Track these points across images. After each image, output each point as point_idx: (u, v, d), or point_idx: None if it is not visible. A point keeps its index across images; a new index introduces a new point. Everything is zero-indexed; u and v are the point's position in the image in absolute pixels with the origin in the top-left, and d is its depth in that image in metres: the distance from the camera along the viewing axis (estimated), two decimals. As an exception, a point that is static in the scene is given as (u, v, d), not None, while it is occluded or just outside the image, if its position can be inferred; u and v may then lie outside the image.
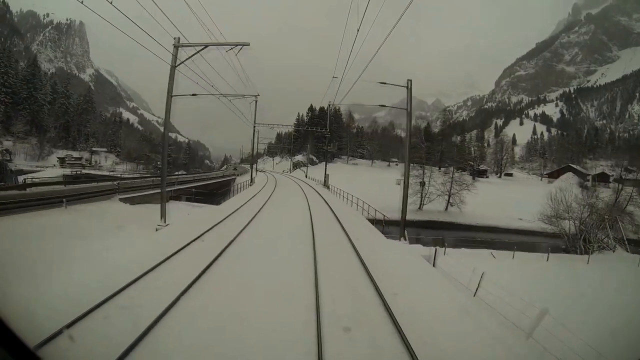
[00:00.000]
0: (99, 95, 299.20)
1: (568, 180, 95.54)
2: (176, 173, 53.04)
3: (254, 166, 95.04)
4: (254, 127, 35.06)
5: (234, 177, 43.92)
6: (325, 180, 38.75)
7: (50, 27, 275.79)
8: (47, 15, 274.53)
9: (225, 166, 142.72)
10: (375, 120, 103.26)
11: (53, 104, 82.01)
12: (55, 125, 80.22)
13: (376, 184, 54.70)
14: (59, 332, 4.07)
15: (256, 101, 35.76)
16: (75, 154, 69.80)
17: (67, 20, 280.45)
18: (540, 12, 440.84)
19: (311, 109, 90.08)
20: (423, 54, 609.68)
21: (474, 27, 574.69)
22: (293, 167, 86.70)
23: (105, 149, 74.77)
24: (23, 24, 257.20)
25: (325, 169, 39.15)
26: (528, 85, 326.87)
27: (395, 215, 35.87)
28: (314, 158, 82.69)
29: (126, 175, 46.13)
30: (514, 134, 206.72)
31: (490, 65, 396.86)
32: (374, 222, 19.57)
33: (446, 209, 44.14)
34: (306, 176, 62.98)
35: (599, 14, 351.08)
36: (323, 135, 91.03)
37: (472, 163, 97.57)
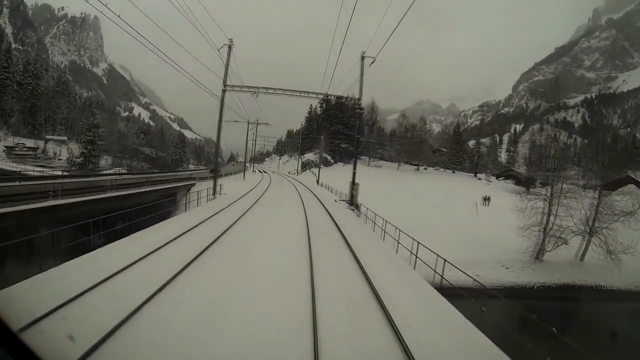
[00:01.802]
0: (111, 90, 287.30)
1: (631, 193, 76.13)
2: (104, 171, 36.08)
3: (253, 165, 77.89)
4: (223, 90, 17.84)
5: (190, 183, 25.81)
6: (351, 195, 21.13)
7: (64, 20, 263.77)
8: (62, 8, 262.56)
9: (232, 163, 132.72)
10: (405, 114, 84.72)
11: (22, 85, 66.46)
12: (21, 108, 64.45)
13: (429, 198, 36.96)
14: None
15: (230, 47, 18.64)
16: (30, 143, 53.57)
17: (81, 14, 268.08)
18: (560, 16, 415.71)
19: (325, 99, 72.52)
20: (437, 57, 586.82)
21: (490, 32, 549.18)
22: (301, 168, 69.01)
23: (65, 138, 58.37)
24: (37, 17, 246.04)
25: (354, 176, 21.33)
26: (547, 90, 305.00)
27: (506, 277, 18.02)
28: (329, 157, 65.02)
29: (36, 173, 29.17)
30: (534, 140, 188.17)
31: (506, 70, 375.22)
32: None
33: (582, 257, 23.34)
34: (318, 182, 44.97)
35: (621, 19, 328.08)
36: (339, 131, 73.43)
37: (516, 170, 78.55)
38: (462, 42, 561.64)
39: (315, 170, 56.47)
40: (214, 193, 17.87)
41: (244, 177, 41.15)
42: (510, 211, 31.19)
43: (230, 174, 48.52)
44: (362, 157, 74.72)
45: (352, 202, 20.49)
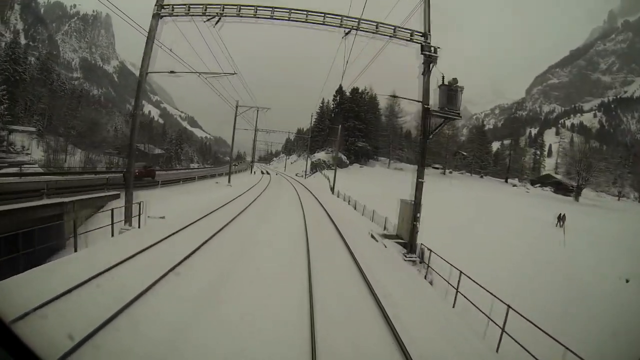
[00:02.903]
0: (122, 87, 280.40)
1: (690, 205, 64.64)
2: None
3: (252, 165, 67.41)
4: (157, 14, 7.45)
5: (105, 195, 14.69)
6: (412, 229, 10.82)
7: (76, 17, 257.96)
8: (74, 6, 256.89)
9: (237, 162, 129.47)
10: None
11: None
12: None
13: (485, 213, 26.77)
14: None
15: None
16: (-3, 135, 44.69)
17: (93, 11, 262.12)
18: (574, 19, 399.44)
19: (340, 91, 62.45)
20: (442, 57, 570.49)
21: (502, 34, 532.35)
22: (311, 169, 58.69)
23: (34, 129, 49.33)
24: (49, 14, 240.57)
25: (419, 189, 10.77)
26: (561, 94, 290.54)
27: None
28: (343, 157, 54.82)
29: None
30: (550, 145, 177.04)
31: (519, 74, 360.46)
32: None
33: None
34: (332, 189, 34.54)
35: (637, 21, 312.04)
36: (356, 127, 62.58)
37: (559, 176, 67.07)
38: (467, 42, 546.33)
39: (328, 172, 46.33)
40: (125, 220, 8.21)
41: (229, 181, 30.81)
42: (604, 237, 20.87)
43: (215, 175, 38.56)
44: (380, 158, 64.45)
45: (411, 244, 10.03)
